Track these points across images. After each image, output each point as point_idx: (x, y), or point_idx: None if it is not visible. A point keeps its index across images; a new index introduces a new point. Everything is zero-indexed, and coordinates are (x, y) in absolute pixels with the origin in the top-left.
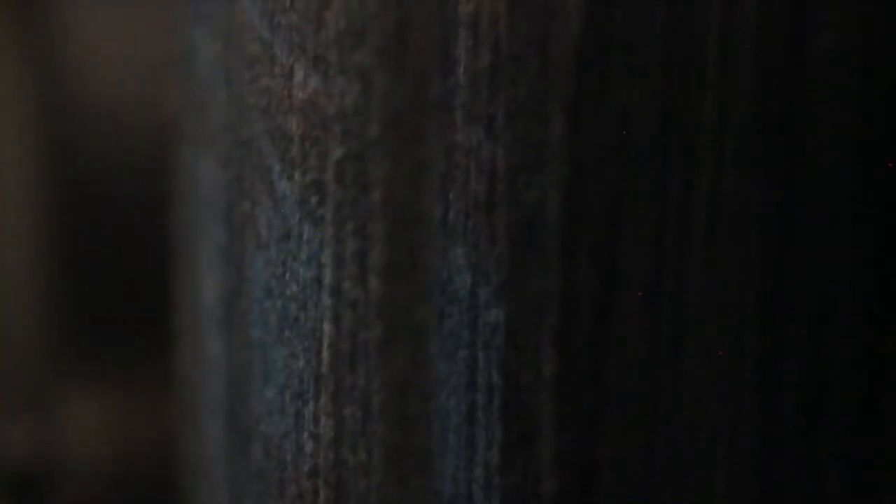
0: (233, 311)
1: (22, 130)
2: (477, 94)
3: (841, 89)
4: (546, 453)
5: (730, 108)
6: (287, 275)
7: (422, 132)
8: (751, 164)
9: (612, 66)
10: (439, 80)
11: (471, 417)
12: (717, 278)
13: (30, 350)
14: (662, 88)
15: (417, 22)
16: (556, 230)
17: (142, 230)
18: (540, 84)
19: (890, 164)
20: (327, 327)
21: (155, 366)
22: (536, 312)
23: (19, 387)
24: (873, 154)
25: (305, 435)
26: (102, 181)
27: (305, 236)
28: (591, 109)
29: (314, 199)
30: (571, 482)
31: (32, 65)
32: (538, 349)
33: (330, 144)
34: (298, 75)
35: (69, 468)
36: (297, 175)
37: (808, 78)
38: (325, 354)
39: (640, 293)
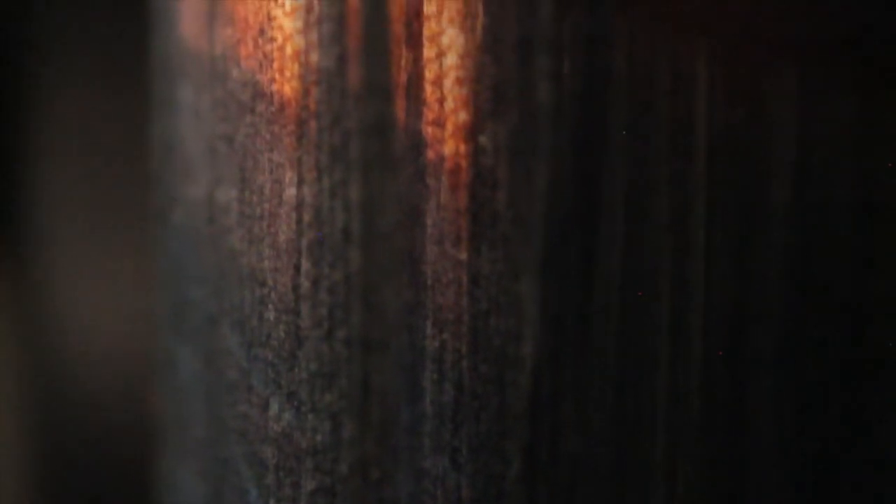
0: None
1: (4, 413)
2: (442, 426)
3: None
4: None
5: (679, 445)
6: None
7: (388, 474)
8: (700, 500)
9: (563, 414)
10: (407, 406)
11: None
12: None
13: None
14: (614, 432)
15: (384, 368)
16: None
17: None
18: (499, 424)
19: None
20: None
21: None
22: None
23: None
24: (807, 474)
25: None
26: (84, 479)
27: None
28: (546, 452)
29: None
30: None
31: (16, 350)
32: None
33: (303, 477)
34: (274, 407)
35: None
36: (272, 502)
37: (748, 413)
38: None
39: None
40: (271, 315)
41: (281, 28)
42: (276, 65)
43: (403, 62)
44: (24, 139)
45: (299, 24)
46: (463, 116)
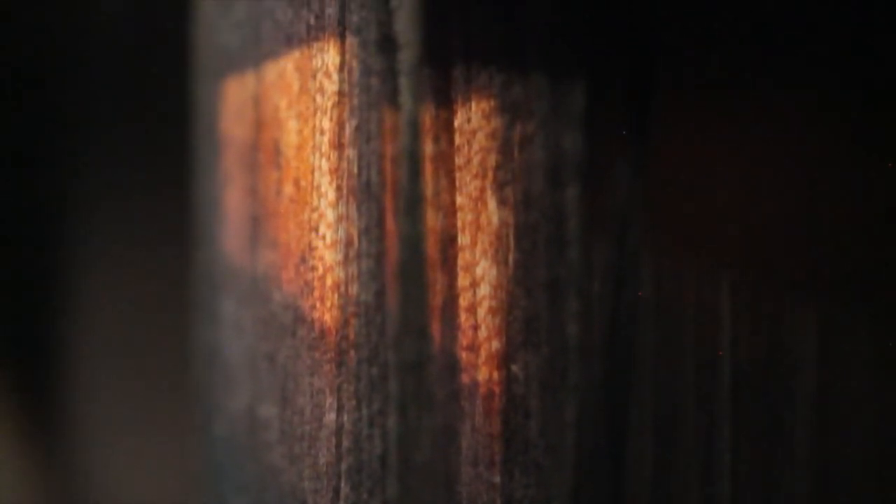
0: None
1: None
2: None
3: None
4: None
5: None
6: None
7: None
8: None
9: None
10: None
11: None
12: None
13: None
14: None
15: None
16: None
17: None
18: None
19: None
20: None
21: None
22: None
23: None
24: None
25: None
26: None
27: None
28: None
29: None
30: None
31: None
32: None
33: None
34: None
35: None
36: None
37: None
38: None
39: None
40: None
41: (322, 259)
42: (316, 293)
43: (439, 287)
44: (65, 348)
45: (339, 256)
46: (496, 345)
